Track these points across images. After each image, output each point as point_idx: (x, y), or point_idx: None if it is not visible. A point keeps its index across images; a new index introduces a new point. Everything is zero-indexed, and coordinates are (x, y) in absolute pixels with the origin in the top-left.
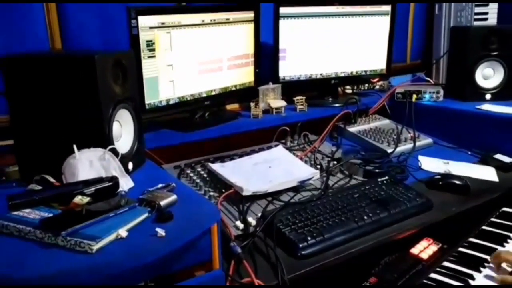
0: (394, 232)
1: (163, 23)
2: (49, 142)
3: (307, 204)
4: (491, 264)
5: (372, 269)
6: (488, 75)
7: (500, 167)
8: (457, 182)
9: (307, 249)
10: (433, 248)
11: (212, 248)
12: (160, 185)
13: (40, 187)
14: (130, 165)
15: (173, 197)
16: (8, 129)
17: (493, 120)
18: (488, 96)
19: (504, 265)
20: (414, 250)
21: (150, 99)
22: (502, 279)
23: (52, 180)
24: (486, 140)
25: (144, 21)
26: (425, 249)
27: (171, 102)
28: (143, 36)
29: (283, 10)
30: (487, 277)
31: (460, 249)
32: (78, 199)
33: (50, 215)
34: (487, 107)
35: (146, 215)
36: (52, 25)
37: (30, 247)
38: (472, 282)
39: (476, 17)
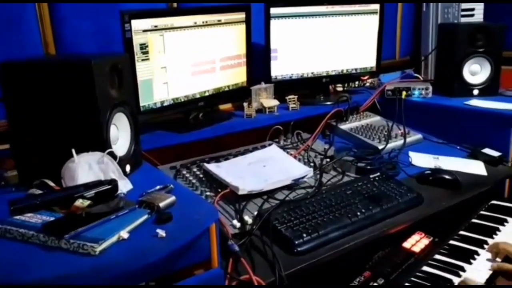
0: (386, 227)
1: (156, 26)
2: (47, 147)
3: (302, 201)
4: (481, 256)
5: (366, 263)
6: (475, 71)
7: (488, 161)
8: (447, 176)
9: (303, 246)
10: (425, 241)
11: (211, 247)
12: (158, 187)
13: (40, 192)
14: (128, 168)
15: (172, 198)
16: (7, 134)
17: (481, 115)
18: (475, 92)
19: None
20: (406, 244)
21: (144, 101)
22: (499, 266)
23: (52, 184)
24: (474, 135)
25: (137, 24)
26: (417, 242)
27: (165, 103)
28: (137, 39)
29: (273, 10)
30: (478, 269)
31: (451, 242)
32: (79, 202)
33: (52, 218)
34: (475, 102)
35: (146, 216)
36: (45, 29)
37: (33, 250)
38: (463, 274)
39: (463, 13)
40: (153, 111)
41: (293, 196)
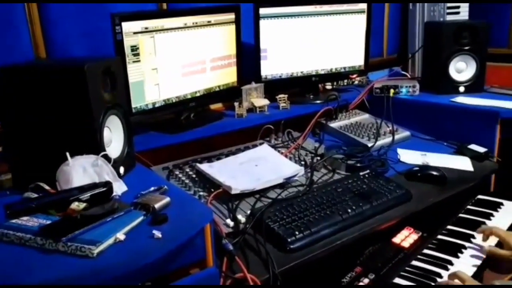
0: (376, 223)
1: (146, 28)
2: (41, 150)
3: (294, 200)
4: (468, 250)
5: (357, 259)
6: (461, 69)
7: (474, 157)
8: (434, 173)
9: (296, 243)
10: (414, 236)
11: (205, 246)
12: (152, 188)
13: (36, 195)
14: (122, 170)
15: (167, 199)
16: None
17: (467, 112)
18: (461, 89)
19: (491, 239)
20: (396, 240)
21: (136, 103)
22: (491, 250)
23: (47, 187)
24: (461, 132)
25: (128, 26)
26: (406, 238)
27: (157, 105)
28: (128, 42)
29: (263, 10)
30: (465, 262)
31: (439, 236)
32: (74, 205)
33: (48, 221)
34: (461, 99)
35: (141, 218)
36: (35, 30)
37: (32, 254)
38: (450, 268)
39: (448, 11)
40: (144, 112)
41: (285, 195)
